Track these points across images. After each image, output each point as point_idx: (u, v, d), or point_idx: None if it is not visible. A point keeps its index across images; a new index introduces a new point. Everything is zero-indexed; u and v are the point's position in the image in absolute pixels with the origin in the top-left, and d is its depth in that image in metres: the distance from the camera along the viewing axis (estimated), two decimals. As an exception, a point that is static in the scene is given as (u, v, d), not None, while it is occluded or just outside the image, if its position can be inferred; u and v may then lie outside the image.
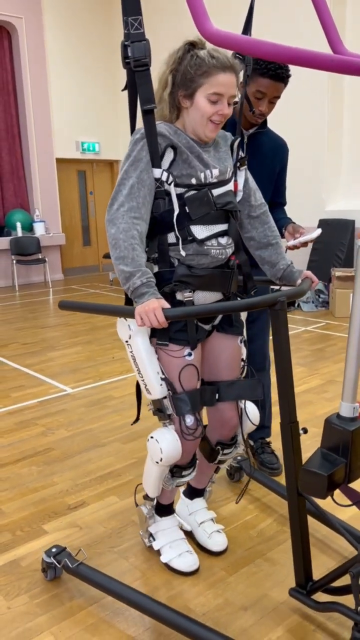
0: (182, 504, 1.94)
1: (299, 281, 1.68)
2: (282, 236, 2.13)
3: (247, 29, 1.65)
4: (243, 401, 1.73)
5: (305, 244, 1.93)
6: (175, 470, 1.64)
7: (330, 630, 1.48)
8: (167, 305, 1.41)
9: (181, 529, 1.84)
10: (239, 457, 2.24)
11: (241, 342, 1.72)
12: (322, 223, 6.32)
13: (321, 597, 1.49)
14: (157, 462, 1.56)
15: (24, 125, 8.39)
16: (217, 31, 0.86)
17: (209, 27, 0.86)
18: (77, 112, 8.97)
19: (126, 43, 1.38)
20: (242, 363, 1.74)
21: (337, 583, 1.47)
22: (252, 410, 1.74)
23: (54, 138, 8.69)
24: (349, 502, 1.41)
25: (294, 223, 2.09)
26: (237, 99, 1.60)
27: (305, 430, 1.45)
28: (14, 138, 8.42)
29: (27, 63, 8.20)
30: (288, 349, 1.41)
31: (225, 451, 1.76)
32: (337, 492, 1.34)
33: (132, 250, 1.41)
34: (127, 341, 1.54)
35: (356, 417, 1.30)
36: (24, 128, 8.39)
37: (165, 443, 1.54)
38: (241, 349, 1.72)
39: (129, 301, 1.62)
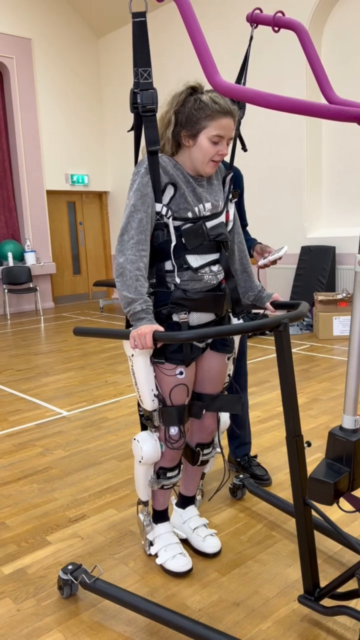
0: (176, 514, 2.08)
1: (269, 304, 1.89)
2: (251, 256, 2.31)
3: (240, 77, 1.86)
4: None
5: (274, 262, 2.08)
6: (161, 472, 1.82)
7: (315, 620, 1.63)
8: (160, 329, 1.56)
9: (176, 536, 1.98)
10: (241, 476, 2.36)
11: (229, 359, 1.89)
12: (305, 250, 6.59)
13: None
14: (140, 462, 1.76)
15: (15, 159, 8.66)
16: (226, 83, 1.02)
17: (218, 79, 1.02)
18: (67, 146, 9.28)
19: (135, 90, 1.56)
20: (228, 378, 1.92)
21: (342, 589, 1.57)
22: (225, 415, 1.98)
23: (44, 171, 8.96)
24: (353, 509, 1.51)
25: (260, 243, 2.27)
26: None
27: (309, 444, 1.53)
28: (5, 171, 8.67)
29: (18, 100, 8.51)
30: (292, 368, 1.51)
31: (205, 451, 1.95)
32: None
33: (136, 280, 1.57)
34: (130, 356, 1.70)
35: (358, 429, 1.38)
36: (15, 162, 8.66)
37: (146, 446, 1.74)
38: (228, 365, 1.90)
39: (129, 324, 1.77)
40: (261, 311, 1.96)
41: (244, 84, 1.82)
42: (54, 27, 8.90)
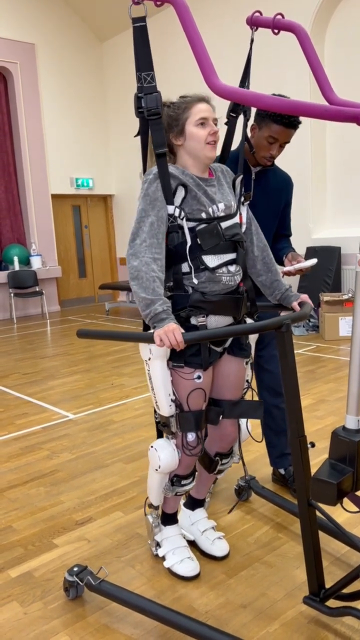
0: (184, 515, 2.07)
1: (296, 304, 1.82)
2: (282, 264, 2.24)
3: (244, 80, 1.85)
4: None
5: (300, 271, 2.04)
6: (175, 480, 1.80)
7: (322, 622, 1.62)
8: (182, 330, 1.52)
9: (184, 538, 1.98)
10: (247, 477, 2.35)
11: (247, 364, 1.85)
12: (310, 250, 6.58)
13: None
14: (156, 470, 1.73)
15: (20, 163, 8.70)
16: (225, 86, 1.02)
17: (217, 82, 1.03)
18: (71, 149, 9.31)
19: (139, 95, 1.58)
20: (246, 384, 1.88)
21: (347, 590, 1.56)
22: (248, 425, 1.92)
23: (49, 175, 8.99)
24: (356, 509, 1.50)
25: (294, 251, 2.22)
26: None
27: (312, 444, 1.53)
28: (10, 176, 8.72)
29: (22, 105, 8.55)
30: (294, 368, 1.52)
31: (224, 461, 1.92)
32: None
33: (152, 282, 1.55)
34: (146, 361, 1.68)
35: None
36: (20, 166, 8.70)
37: (164, 453, 1.71)
38: (247, 370, 1.86)
39: (146, 328, 1.74)
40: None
41: (248, 86, 1.82)
42: (57, 32, 8.94)
